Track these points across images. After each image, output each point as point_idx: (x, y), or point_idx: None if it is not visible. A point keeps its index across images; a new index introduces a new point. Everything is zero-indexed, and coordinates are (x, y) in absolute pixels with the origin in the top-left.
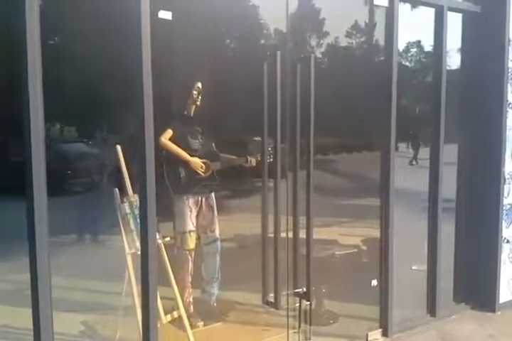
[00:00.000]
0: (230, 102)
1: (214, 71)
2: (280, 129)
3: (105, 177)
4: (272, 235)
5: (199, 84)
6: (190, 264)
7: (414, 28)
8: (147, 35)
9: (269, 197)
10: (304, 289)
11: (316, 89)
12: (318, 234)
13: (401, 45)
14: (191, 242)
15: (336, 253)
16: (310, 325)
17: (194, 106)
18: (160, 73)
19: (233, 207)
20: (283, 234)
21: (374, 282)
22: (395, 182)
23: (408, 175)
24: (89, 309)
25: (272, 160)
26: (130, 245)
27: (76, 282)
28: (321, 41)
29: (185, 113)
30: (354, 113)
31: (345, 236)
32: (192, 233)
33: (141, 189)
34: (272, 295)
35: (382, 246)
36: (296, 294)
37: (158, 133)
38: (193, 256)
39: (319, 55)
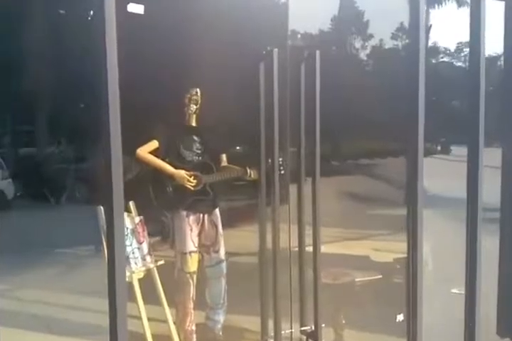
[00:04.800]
0: (230, 108)
1: (207, 74)
2: (278, 136)
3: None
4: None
5: (193, 91)
6: (192, 288)
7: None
8: (112, 32)
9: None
10: (313, 327)
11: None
12: (348, 248)
13: (452, 46)
14: (192, 264)
15: (357, 280)
16: None
17: (194, 115)
18: (144, 80)
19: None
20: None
21: (400, 317)
22: (423, 191)
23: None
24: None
25: (283, 172)
26: None
27: (75, 302)
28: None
29: (185, 122)
30: (383, 115)
31: (380, 251)
32: (193, 254)
33: (107, 207)
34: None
35: (410, 272)
36: (303, 332)
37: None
38: (194, 279)
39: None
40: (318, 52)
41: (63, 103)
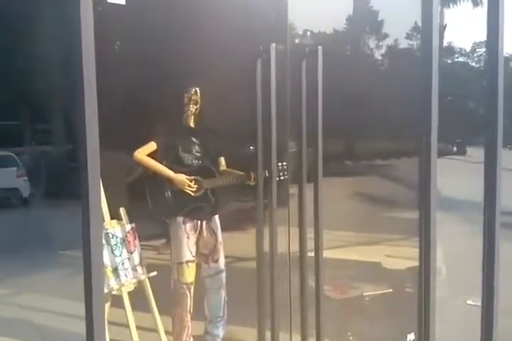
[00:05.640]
0: (230, 109)
1: (205, 73)
2: (276, 137)
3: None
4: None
5: (193, 90)
6: (189, 300)
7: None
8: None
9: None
10: None
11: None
12: (358, 254)
13: (467, 46)
14: (189, 274)
15: (365, 294)
16: None
17: (193, 116)
18: (140, 80)
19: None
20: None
21: (410, 336)
22: (436, 194)
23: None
24: None
25: (285, 177)
26: None
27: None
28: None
29: (183, 123)
30: (399, 115)
31: (392, 258)
32: (190, 263)
33: (83, 216)
34: None
35: (422, 283)
36: None
37: (139, 146)
38: (191, 290)
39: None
40: (320, 48)
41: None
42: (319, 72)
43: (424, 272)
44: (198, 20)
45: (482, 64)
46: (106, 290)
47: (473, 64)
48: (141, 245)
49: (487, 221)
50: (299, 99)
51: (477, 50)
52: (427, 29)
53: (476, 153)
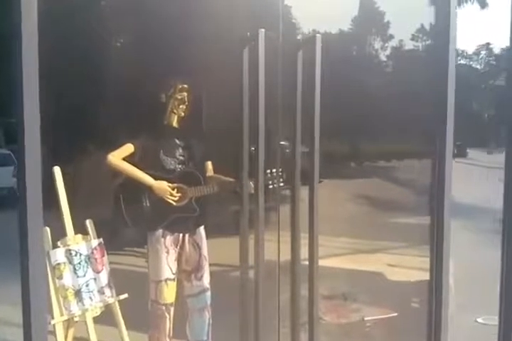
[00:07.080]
0: (220, 106)
1: (190, 66)
2: (264, 136)
3: None
4: None
5: (180, 86)
6: (168, 323)
7: (485, 29)
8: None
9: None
10: None
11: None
12: (359, 263)
13: (470, 48)
14: (168, 294)
15: (366, 319)
16: None
17: (176, 116)
18: (118, 74)
19: None
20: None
21: None
22: (450, 198)
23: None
24: None
25: (275, 185)
26: (61, 309)
27: None
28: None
29: (165, 122)
30: (404, 116)
31: (396, 267)
32: (170, 282)
33: (20, 228)
34: None
35: (433, 297)
36: None
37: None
38: (171, 312)
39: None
40: (319, 36)
41: (75, 98)
42: (317, 63)
43: (435, 286)
44: (179, 6)
45: (483, 66)
46: (66, 317)
47: (476, 66)
48: (133, 251)
49: (506, 229)
50: (293, 96)
51: (480, 52)
52: (443, 29)
53: (477, 156)
